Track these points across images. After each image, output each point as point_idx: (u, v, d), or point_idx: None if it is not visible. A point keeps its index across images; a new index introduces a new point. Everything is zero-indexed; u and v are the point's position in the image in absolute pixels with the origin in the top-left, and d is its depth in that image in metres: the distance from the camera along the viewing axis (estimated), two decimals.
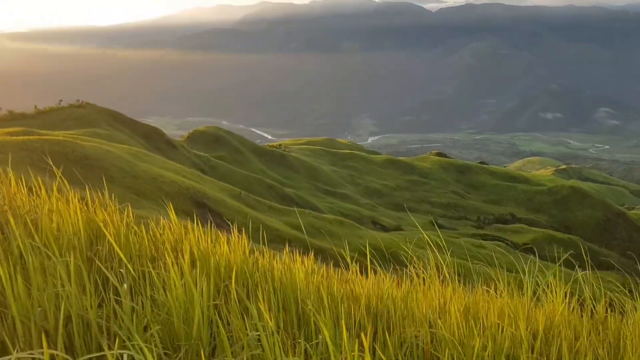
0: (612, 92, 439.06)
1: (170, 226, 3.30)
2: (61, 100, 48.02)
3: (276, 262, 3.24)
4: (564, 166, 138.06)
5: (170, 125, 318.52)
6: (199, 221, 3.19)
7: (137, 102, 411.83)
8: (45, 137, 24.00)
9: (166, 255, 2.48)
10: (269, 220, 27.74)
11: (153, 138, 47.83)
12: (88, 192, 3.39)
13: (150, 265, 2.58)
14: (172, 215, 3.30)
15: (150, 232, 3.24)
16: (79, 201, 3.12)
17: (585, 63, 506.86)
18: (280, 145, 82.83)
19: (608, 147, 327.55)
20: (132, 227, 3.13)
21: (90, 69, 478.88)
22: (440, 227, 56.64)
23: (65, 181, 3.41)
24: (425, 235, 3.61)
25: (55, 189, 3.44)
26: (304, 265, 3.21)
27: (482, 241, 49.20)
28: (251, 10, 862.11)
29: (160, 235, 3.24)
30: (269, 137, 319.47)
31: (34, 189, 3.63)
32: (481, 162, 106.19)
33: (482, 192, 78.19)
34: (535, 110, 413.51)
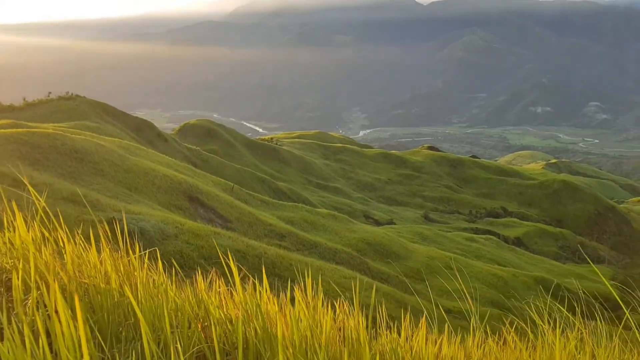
0: (602, 87, 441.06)
1: (234, 292, 2.18)
2: (50, 93, 47.40)
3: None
4: (554, 160, 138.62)
5: (160, 118, 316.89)
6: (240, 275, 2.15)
7: (126, 94, 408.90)
8: (34, 130, 23.57)
9: None
10: (262, 215, 27.49)
11: (144, 131, 47.36)
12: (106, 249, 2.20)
13: None
14: (237, 278, 2.15)
15: (195, 298, 2.20)
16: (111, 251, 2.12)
17: (575, 57, 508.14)
18: (272, 138, 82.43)
19: (597, 141, 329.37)
20: (169, 293, 2.14)
21: (80, 62, 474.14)
22: (433, 221, 56.65)
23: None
24: None
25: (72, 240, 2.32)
26: None
27: (474, 235, 49.28)
28: (243, 2, 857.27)
29: (214, 309, 2.16)
30: (260, 130, 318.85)
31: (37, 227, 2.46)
32: (473, 156, 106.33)
33: (473, 186, 78.28)
34: (525, 104, 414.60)
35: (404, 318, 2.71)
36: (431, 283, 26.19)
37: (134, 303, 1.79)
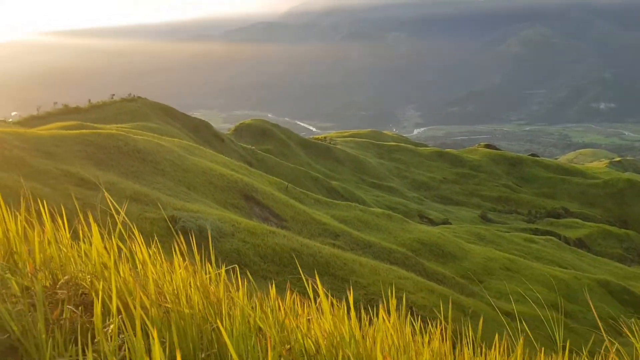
0: None
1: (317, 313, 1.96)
2: (113, 95, 49.17)
3: None
4: (618, 158, 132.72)
5: (217, 118, 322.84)
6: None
7: (184, 95, 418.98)
8: (99, 131, 24.48)
9: None
10: (316, 214, 27.58)
11: (201, 131, 48.43)
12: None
13: None
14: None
15: (274, 318, 1.97)
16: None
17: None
18: (325, 137, 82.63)
19: None
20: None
21: (140, 64, 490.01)
22: (490, 221, 55.40)
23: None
24: None
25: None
26: None
27: (533, 236, 47.88)
28: (296, 2, 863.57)
29: (302, 337, 1.92)
30: (314, 129, 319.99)
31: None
32: (532, 154, 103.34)
33: (533, 185, 76.03)
34: (587, 101, 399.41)
35: (498, 339, 2.50)
36: (489, 285, 25.64)
37: (223, 330, 1.66)
